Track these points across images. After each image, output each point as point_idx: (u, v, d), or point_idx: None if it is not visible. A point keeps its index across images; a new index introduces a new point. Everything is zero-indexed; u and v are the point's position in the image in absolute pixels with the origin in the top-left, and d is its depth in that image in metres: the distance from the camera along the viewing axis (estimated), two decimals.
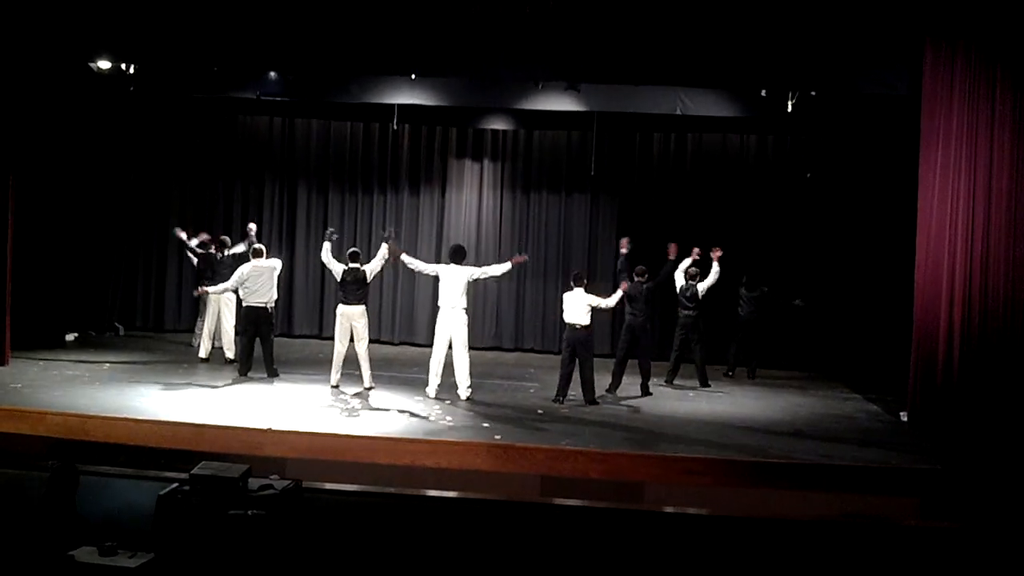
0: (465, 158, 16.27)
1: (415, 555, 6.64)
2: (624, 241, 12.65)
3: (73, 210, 14.32)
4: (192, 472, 6.29)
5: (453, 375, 11.22)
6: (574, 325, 11.28)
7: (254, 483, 6.27)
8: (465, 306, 11.29)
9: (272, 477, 6.56)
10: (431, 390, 11.28)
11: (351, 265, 11.55)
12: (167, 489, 6.19)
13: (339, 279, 11.63)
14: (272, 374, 12.03)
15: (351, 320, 11.50)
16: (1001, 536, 6.65)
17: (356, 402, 10.93)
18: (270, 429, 9.23)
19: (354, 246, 13.01)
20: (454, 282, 11.22)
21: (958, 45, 10.76)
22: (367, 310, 11.75)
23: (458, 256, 11.43)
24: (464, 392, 11.23)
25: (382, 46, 11.75)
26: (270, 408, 10.27)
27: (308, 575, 6.47)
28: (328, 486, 7.13)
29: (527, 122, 15.68)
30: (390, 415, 10.38)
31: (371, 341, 12.12)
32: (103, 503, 6.56)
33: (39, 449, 8.70)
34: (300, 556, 6.48)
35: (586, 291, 11.37)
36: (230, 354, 12.98)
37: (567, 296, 11.42)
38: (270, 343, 12.19)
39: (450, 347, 11.25)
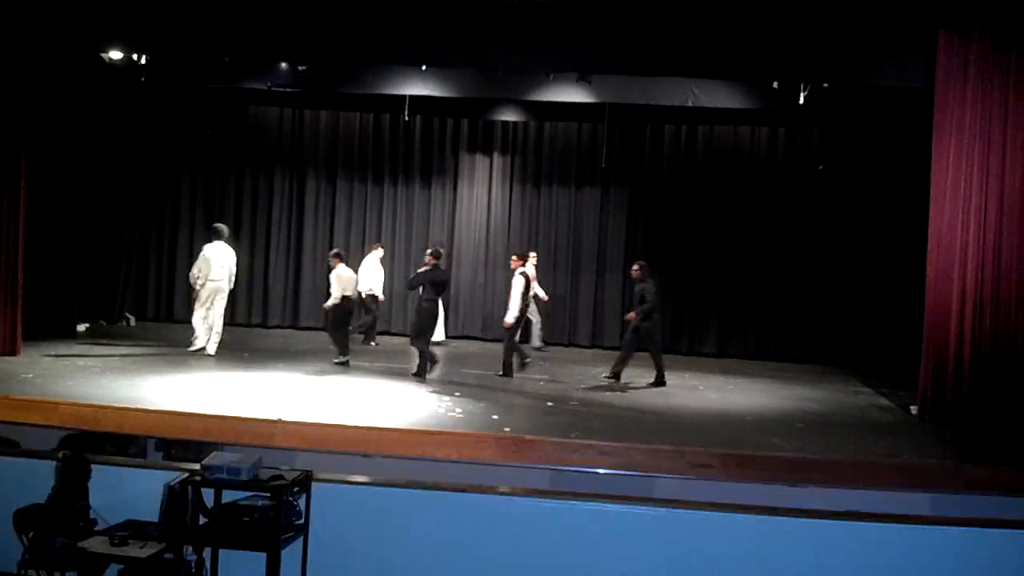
0: (476, 150, 16.27)
1: (424, 547, 6.65)
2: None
3: (84, 200, 14.35)
4: (203, 462, 6.32)
5: (466, 365, 11.22)
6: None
7: (264, 473, 6.30)
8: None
9: (282, 468, 6.58)
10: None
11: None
12: (178, 479, 6.21)
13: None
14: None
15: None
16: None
17: (356, 394, 10.95)
18: (280, 420, 9.24)
19: (368, 238, 13.09)
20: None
21: (972, 35, 10.68)
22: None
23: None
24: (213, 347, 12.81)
25: (393, 37, 11.72)
26: (281, 399, 10.28)
27: (318, 565, 6.49)
28: (338, 477, 7.14)
29: (538, 114, 15.66)
30: (399, 407, 10.37)
31: (379, 333, 12.98)
32: (114, 493, 6.58)
33: (52, 439, 8.72)
34: (310, 546, 6.51)
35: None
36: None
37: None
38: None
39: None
